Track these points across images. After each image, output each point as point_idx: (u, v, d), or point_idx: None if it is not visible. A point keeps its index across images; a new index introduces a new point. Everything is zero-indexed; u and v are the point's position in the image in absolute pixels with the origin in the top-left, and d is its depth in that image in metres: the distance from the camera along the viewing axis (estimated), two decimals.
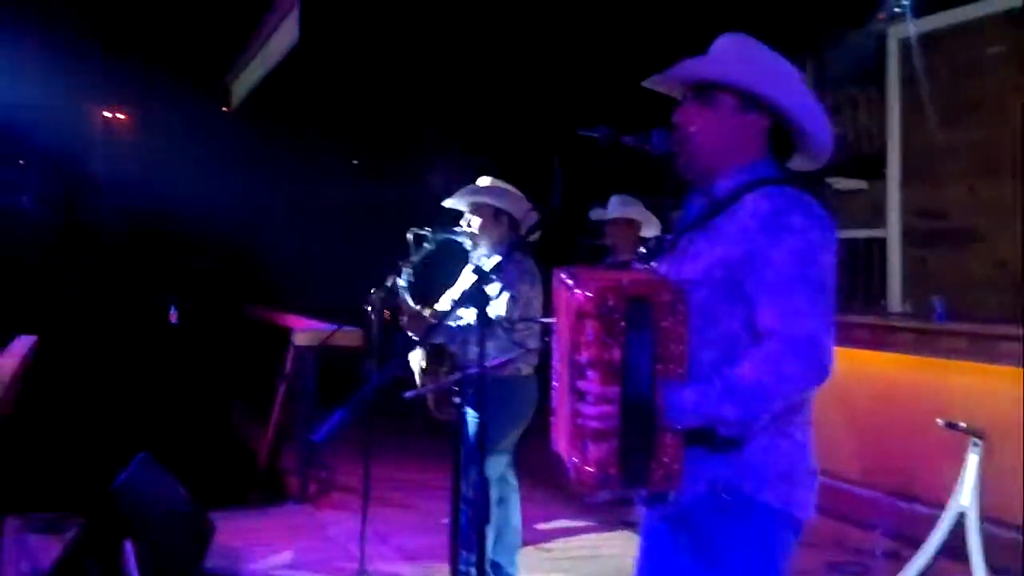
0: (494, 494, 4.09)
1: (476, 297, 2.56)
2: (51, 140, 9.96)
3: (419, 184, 9.71)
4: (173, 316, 9.34)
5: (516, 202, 4.18)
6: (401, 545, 5.03)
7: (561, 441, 2.10)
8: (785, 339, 1.88)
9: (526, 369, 4.13)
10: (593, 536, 5.33)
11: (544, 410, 3.98)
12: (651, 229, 5.36)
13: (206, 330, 8.81)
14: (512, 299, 3.98)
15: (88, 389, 6.37)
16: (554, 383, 2.19)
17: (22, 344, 5.48)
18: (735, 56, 2.12)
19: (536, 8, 7.28)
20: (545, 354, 3.88)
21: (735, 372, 1.90)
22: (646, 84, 2.21)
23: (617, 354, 1.86)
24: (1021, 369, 4.68)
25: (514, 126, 8.46)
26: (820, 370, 1.90)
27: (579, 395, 1.91)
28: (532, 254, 4.20)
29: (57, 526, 4.61)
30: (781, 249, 1.91)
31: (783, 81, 2.09)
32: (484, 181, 4.29)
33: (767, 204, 1.96)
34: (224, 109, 11.51)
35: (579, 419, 1.90)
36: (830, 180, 6.80)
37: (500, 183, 4.27)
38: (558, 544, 5.16)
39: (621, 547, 4.98)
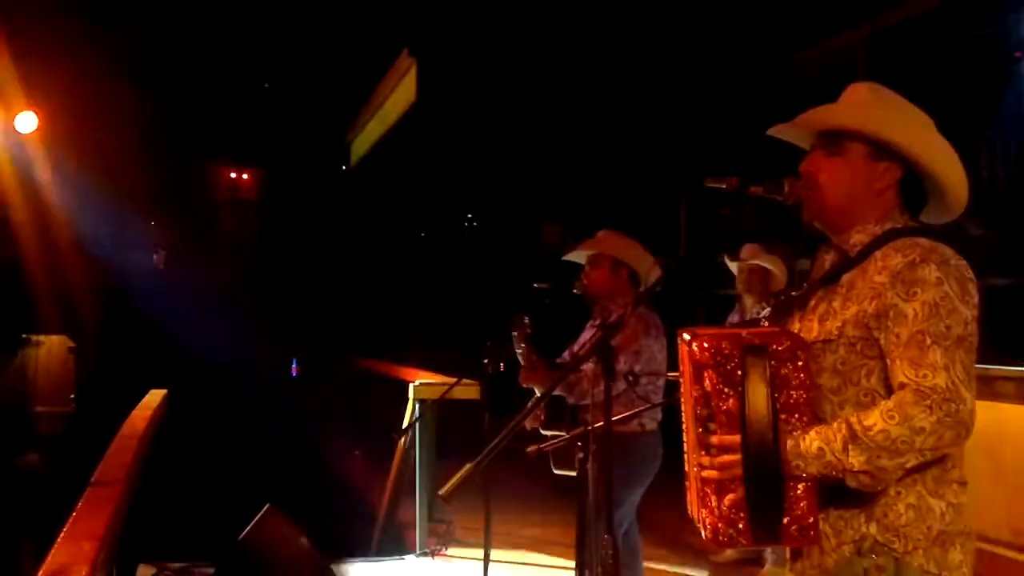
0: (616, 552, 3.98)
1: (600, 350, 2.51)
2: (177, 201, 10.40)
3: (541, 239, 9.77)
4: (295, 370, 9.57)
5: (636, 254, 4.13)
6: None
7: (692, 502, 2.05)
8: (917, 390, 1.82)
9: (650, 424, 4.05)
10: None
11: (669, 467, 3.90)
12: (780, 280, 5.25)
13: (329, 383, 8.97)
14: (635, 353, 3.92)
15: (215, 441, 6.54)
16: (685, 446, 2.12)
17: (154, 398, 5.67)
18: (865, 103, 2.08)
19: (656, 59, 7.29)
20: (669, 410, 3.79)
21: (862, 420, 1.83)
22: (772, 132, 2.17)
23: (735, 403, 1.86)
24: None
25: (637, 178, 8.43)
26: (956, 424, 1.81)
27: (704, 449, 1.89)
28: (655, 307, 4.13)
29: (188, 575, 4.71)
30: (915, 303, 1.86)
31: (916, 129, 2.02)
32: (602, 234, 4.26)
33: (899, 257, 1.90)
34: (344, 167, 11.87)
35: (704, 472, 1.88)
36: (968, 226, 6.53)
37: (619, 235, 4.23)
38: None
39: None
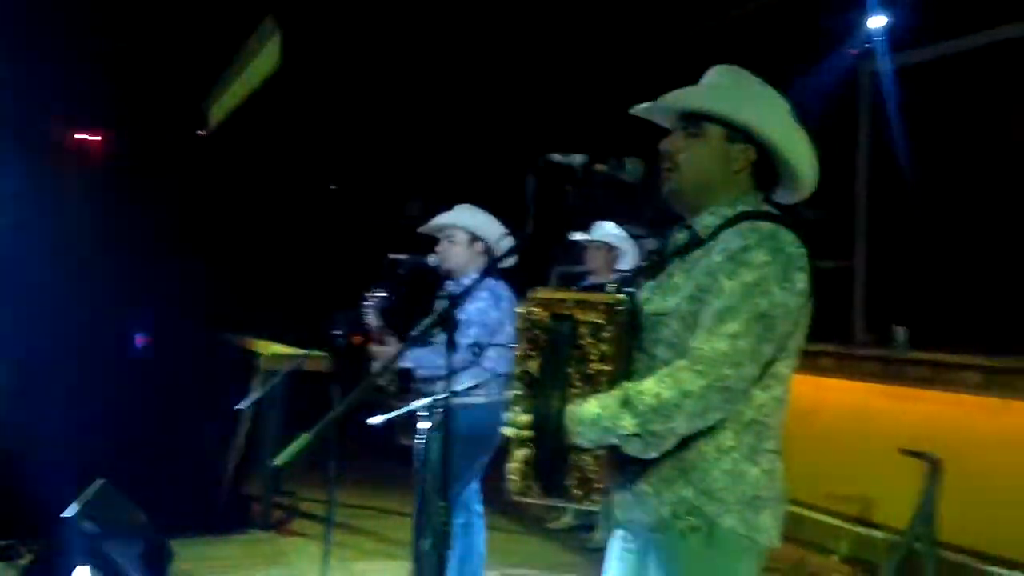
0: (459, 521, 4.08)
1: (445, 322, 2.57)
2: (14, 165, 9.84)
3: (395, 210, 9.74)
4: (140, 341, 9.27)
5: (491, 228, 4.20)
6: (364, 572, 5.00)
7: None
8: (695, 356, 1.92)
9: (496, 395, 4.13)
10: (557, 562, 5.32)
11: None
12: (629, 257, 5.42)
13: (174, 355, 8.75)
14: (485, 325, 3.99)
15: (48, 415, 6.31)
16: None
17: None
18: (725, 87, 2.16)
19: (512, 35, 7.36)
20: None
21: (637, 385, 1.93)
22: (635, 112, 2.23)
23: (535, 366, 2.00)
24: (979, 397, 4.76)
25: (490, 153, 8.51)
26: (723, 390, 1.90)
27: (513, 406, 2.04)
28: (506, 280, 4.21)
29: (10, 553, 4.55)
30: (735, 281, 1.94)
31: (771, 113, 2.11)
32: (459, 207, 4.30)
33: (738, 240, 1.99)
34: (200, 132, 11.48)
35: (507, 429, 2.03)
36: (800, 209, 6.91)
37: (475, 209, 4.29)
38: (523, 571, 5.14)
39: (585, 573, 4.98)
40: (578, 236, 5.67)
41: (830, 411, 5.65)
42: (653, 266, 2.17)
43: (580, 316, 1.97)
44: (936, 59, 5.97)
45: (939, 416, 4.96)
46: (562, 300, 2.01)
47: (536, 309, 2.02)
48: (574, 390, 1.97)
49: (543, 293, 2.06)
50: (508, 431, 2.02)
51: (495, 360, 4.05)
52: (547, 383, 1.99)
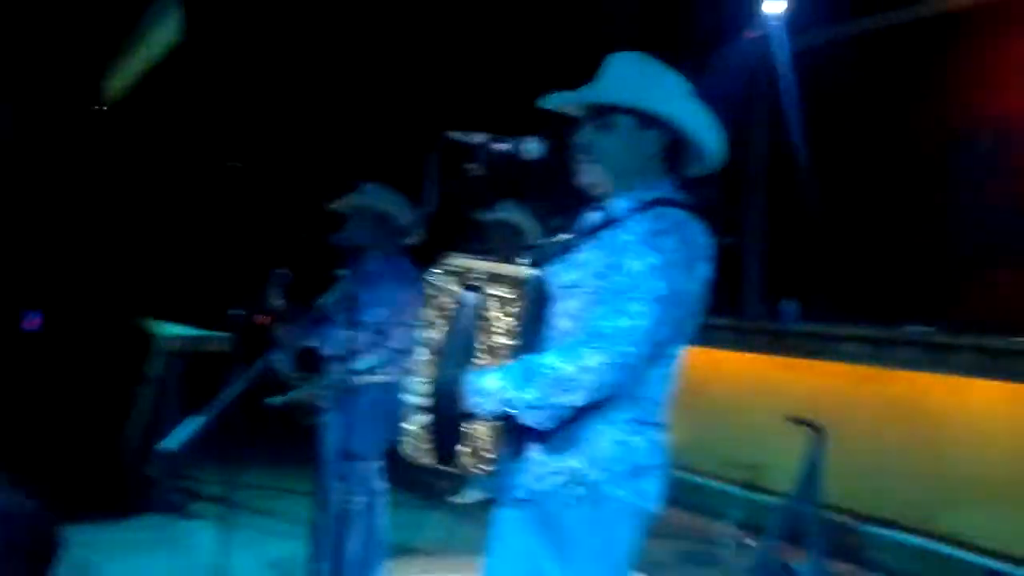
0: (361, 500, 4.11)
1: (346, 300, 2.59)
2: None
3: (303, 188, 9.61)
4: (33, 322, 8.98)
5: (398, 207, 4.21)
6: (264, 553, 4.99)
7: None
8: (594, 331, 1.98)
9: (399, 373, 4.16)
10: (463, 538, 5.39)
11: None
12: (533, 236, 5.48)
13: (73, 337, 8.51)
14: (390, 304, 4.01)
15: None
16: None
17: None
18: (630, 77, 2.19)
19: (416, 14, 7.34)
20: None
21: (538, 359, 1.99)
22: (543, 104, 2.27)
23: (439, 335, 2.06)
24: (862, 367, 5.01)
25: (395, 131, 8.47)
26: (622, 367, 1.97)
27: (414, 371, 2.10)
28: (412, 258, 4.23)
29: None
30: (641, 261, 2.00)
31: (677, 97, 2.17)
32: (367, 187, 4.30)
33: (650, 224, 2.05)
34: (97, 107, 11.11)
35: (410, 394, 2.09)
36: (698, 189, 7.10)
37: (383, 188, 4.29)
38: (429, 549, 5.20)
39: None
40: (481, 215, 5.71)
41: (724, 382, 5.86)
42: (564, 242, 2.22)
43: (490, 288, 2.01)
44: (829, 42, 6.18)
45: (825, 385, 5.19)
46: (472, 270, 2.05)
47: (446, 278, 2.05)
48: (477, 360, 2.03)
49: (455, 261, 2.08)
50: (408, 397, 2.07)
51: (400, 339, 4.08)
52: (451, 352, 2.02)
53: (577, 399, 1.99)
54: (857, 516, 4.90)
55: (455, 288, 2.04)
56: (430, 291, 2.07)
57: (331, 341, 3.95)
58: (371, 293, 3.98)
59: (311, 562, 3.78)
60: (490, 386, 1.99)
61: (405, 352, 4.04)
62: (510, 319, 2.02)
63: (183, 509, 5.75)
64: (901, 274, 5.48)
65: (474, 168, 2.23)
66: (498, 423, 2.02)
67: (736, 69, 6.76)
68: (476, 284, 2.03)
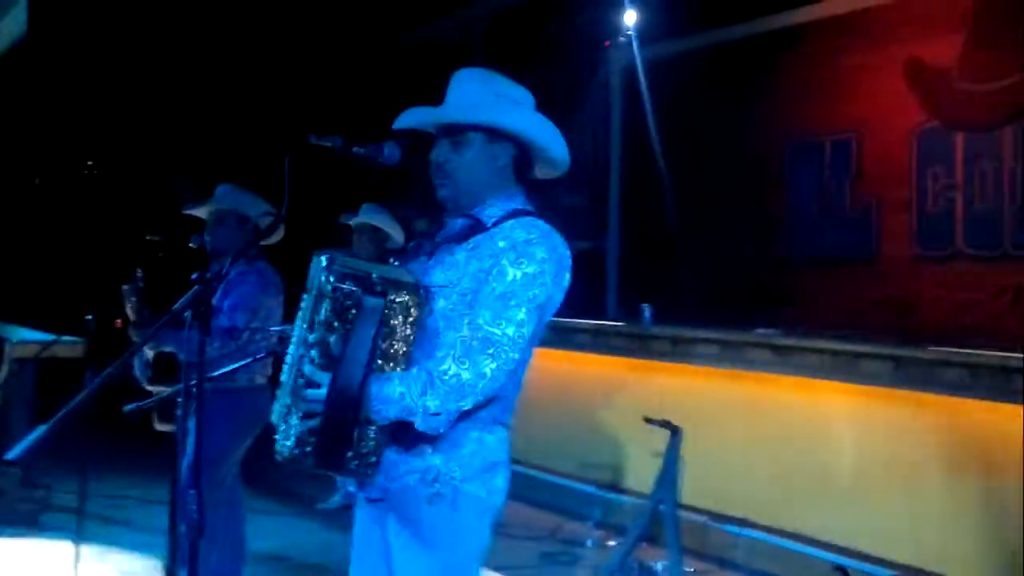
0: (219, 507, 4.03)
1: (204, 305, 2.51)
2: None
3: (157, 190, 9.33)
4: None
5: (257, 208, 4.14)
6: (119, 564, 4.84)
7: (275, 412, 2.18)
8: (486, 338, 2.07)
9: (260, 379, 4.10)
10: (326, 543, 5.35)
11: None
12: (396, 239, 5.48)
13: None
14: (252, 311, 3.94)
15: None
16: (287, 357, 2.22)
17: None
18: (477, 94, 2.29)
19: (277, 17, 7.25)
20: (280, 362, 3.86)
21: (438, 367, 2.05)
22: (397, 127, 2.32)
23: (337, 341, 2.00)
24: (714, 368, 5.22)
25: (256, 133, 8.33)
26: (509, 373, 2.10)
27: (300, 372, 2.05)
28: (272, 260, 4.17)
29: None
30: (519, 268, 2.11)
31: (521, 110, 2.29)
32: (227, 189, 4.21)
33: (522, 232, 2.15)
34: None
35: (294, 395, 2.04)
36: (559, 195, 7.27)
37: (243, 191, 4.21)
38: (289, 555, 5.14)
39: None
40: (346, 218, 5.69)
41: (584, 384, 6.01)
42: (432, 245, 2.29)
43: (394, 295, 2.01)
44: (681, 53, 6.42)
45: (680, 386, 5.38)
46: (369, 274, 2.04)
47: (346, 281, 1.99)
48: (377, 366, 2.03)
49: (348, 263, 2.05)
50: (292, 400, 2.02)
51: (259, 345, 4.02)
52: (352, 357, 1.99)
53: (468, 404, 2.08)
54: (712, 515, 5.10)
55: (359, 293, 2.00)
56: (329, 293, 2.00)
57: (187, 346, 3.86)
58: (231, 298, 3.92)
59: (168, 574, 3.68)
60: (391, 392, 2.03)
61: (265, 358, 4.01)
62: (410, 328, 2.04)
63: (34, 521, 5.50)
64: (748, 278, 5.75)
65: (331, 171, 2.23)
66: (385, 430, 2.06)
67: (594, 79, 6.96)
68: (382, 290, 2.02)
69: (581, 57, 6.97)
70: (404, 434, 2.11)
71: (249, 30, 7.66)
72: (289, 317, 3.07)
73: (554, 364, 6.15)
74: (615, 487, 5.63)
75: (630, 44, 6.66)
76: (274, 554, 5.05)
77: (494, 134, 2.25)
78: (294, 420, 2.03)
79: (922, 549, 4.30)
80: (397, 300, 2.02)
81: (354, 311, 2.00)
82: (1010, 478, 4.02)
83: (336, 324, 1.99)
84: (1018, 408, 3.95)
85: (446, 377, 2.04)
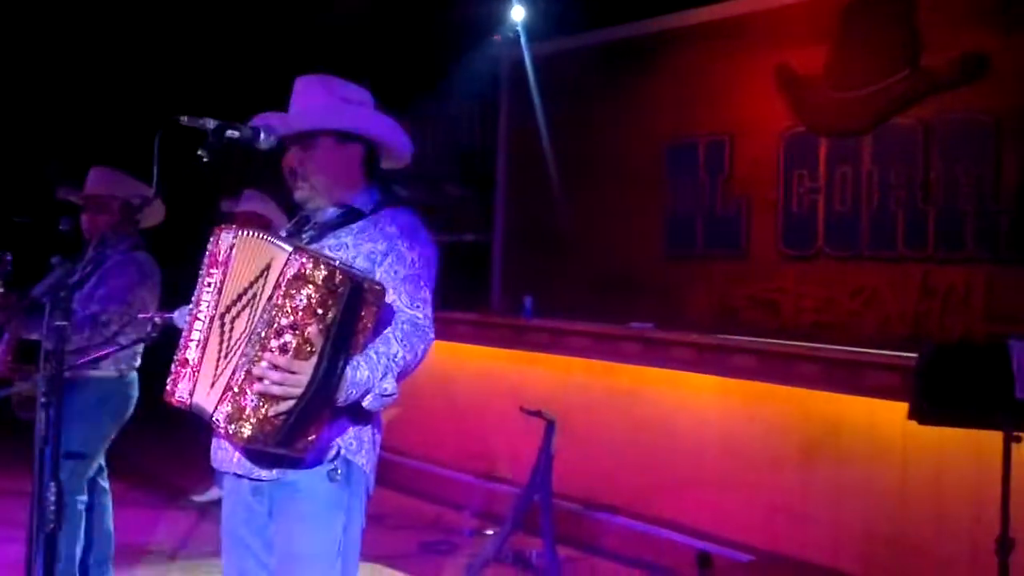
0: (83, 499, 3.93)
1: (70, 290, 2.44)
2: None
3: (26, 172, 8.94)
4: None
5: (133, 192, 4.03)
6: None
7: (201, 390, 2.13)
8: (414, 322, 2.21)
9: (128, 369, 4.01)
10: (198, 535, 5.27)
11: (145, 409, 3.92)
12: (276, 224, 5.41)
13: None
14: (127, 303, 3.84)
15: None
16: (194, 335, 2.19)
17: None
18: (323, 101, 2.38)
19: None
20: (149, 352, 3.78)
21: (389, 349, 2.14)
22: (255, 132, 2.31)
23: (320, 328, 1.97)
24: (590, 360, 5.35)
25: (131, 116, 8.08)
26: (429, 350, 2.25)
27: (260, 353, 1.97)
28: (149, 245, 4.07)
29: None
30: (415, 251, 2.28)
31: (364, 111, 2.42)
32: (103, 174, 4.08)
33: (407, 219, 2.33)
34: None
35: (256, 377, 1.97)
36: (446, 187, 7.31)
37: (121, 175, 4.09)
38: (162, 547, 5.04)
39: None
40: (227, 205, 5.59)
41: (466, 376, 6.07)
42: (321, 229, 2.35)
43: (367, 289, 2.02)
44: (571, 50, 6.53)
45: (557, 378, 5.50)
46: (339, 263, 2.04)
47: (325, 270, 1.97)
48: (345, 350, 2.03)
49: (319, 255, 2.03)
50: (259, 386, 1.97)
51: (129, 334, 3.93)
52: (333, 348, 1.98)
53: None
54: (586, 503, 5.22)
55: (344, 282, 1.98)
56: (314, 281, 1.96)
57: (52, 333, 3.74)
58: (106, 287, 3.82)
59: (28, 566, 3.57)
60: (361, 378, 2.07)
61: (133, 346, 3.92)
62: (373, 318, 2.06)
63: None
64: (628, 272, 5.90)
65: (205, 154, 2.20)
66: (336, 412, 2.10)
67: (483, 72, 7.01)
68: (359, 281, 2.02)
69: (470, 49, 7.00)
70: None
71: (118, 7, 7.43)
72: (172, 305, 3.01)
73: (436, 355, 6.16)
74: (494, 477, 5.71)
75: (518, 39, 6.73)
76: (144, 546, 4.95)
77: (343, 136, 2.37)
78: (257, 404, 1.97)
79: (780, 535, 4.51)
80: (369, 293, 2.03)
81: (341, 302, 1.98)
82: (858, 468, 4.27)
83: (320, 311, 1.96)
84: (867, 401, 4.19)
85: (397, 359, 2.13)
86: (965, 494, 3.86)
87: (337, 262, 2.04)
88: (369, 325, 2.06)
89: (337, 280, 1.97)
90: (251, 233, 2.17)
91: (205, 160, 2.17)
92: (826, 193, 5.02)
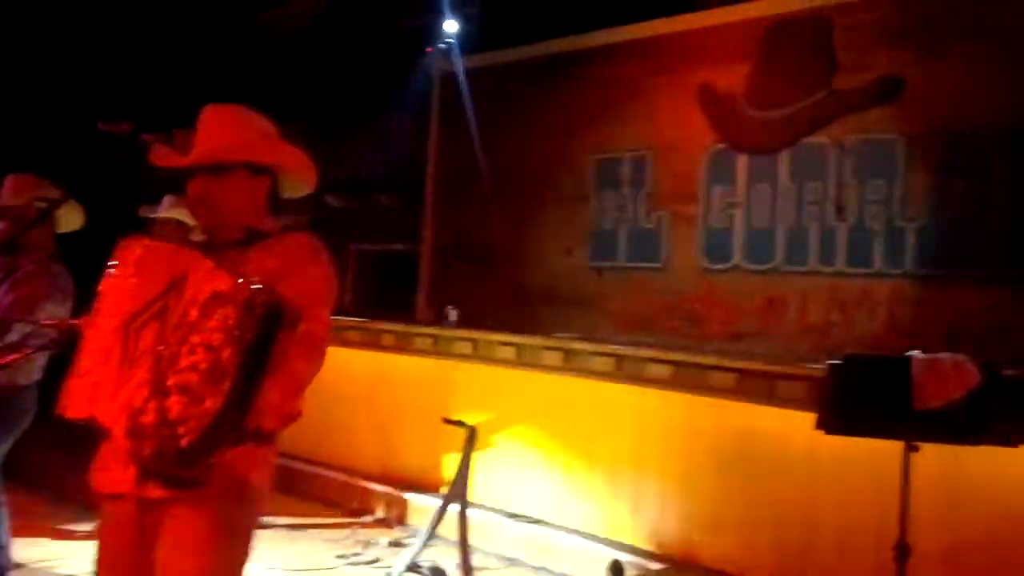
0: None
1: None
2: None
3: None
4: None
5: (50, 200, 3.92)
6: None
7: (101, 404, 2.05)
8: (311, 340, 2.14)
9: (23, 379, 3.90)
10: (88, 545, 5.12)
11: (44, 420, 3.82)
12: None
13: None
14: (29, 312, 3.74)
15: None
16: (95, 344, 2.12)
17: None
18: (239, 132, 2.36)
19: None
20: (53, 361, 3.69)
21: (296, 371, 2.10)
22: (159, 163, 2.31)
23: (236, 351, 1.88)
24: (512, 370, 5.37)
25: (45, 120, 7.92)
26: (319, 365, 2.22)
27: (170, 371, 1.91)
28: (64, 259, 3.97)
29: None
30: (317, 271, 2.28)
31: (274, 143, 2.41)
32: (24, 181, 3.98)
33: (309, 241, 2.33)
34: None
35: (163, 395, 1.91)
36: (377, 197, 7.31)
37: (30, 179, 3.99)
38: (64, 559, 4.90)
39: None
40: (147, 210, 5.50)
41: (389, 386, 6.04)
42: (225, 248, 2.28)
43: (286, 311, 1.97)
44: (502, 64, 6.58)
45: (480, 388, 5.51)
46: (255, 285, 1.96)
47: (244, 291, 1.90)
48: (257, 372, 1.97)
49: (237, 274, 1.97)
50: (174, 405, 1.91)
51: (32, 342, 3.83)
52: (248, 370, 1.90)
53: None
54: (504, 513, 5.23)
55: (264, 307, 1.91)
56: (247, 307, 1.90)
57: None
58: (14, 295, 3.73)
59: None
60: (273, 400, 2.01)
61: (36, 353, 3.82)
62: (285, 341, 2.00)
63: None
64: (554, 284, 5.95)
65: (123, 158, 2.19)
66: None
67: (415, 83, 7.03)
68: (283, 308, 1.95)
69: (404, 61, 7.02)
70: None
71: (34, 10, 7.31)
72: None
73: (360, 366, 6.15)
74: (415, 487, 5.69)
75: (452, 52, 6.77)
76: (43, 559, 4.82)
77: (255, 168, 2.34)
78: (165, 422, 1.90)
79: (693, 543, 4.57)
80: (287, 316, 1.98)
81: (260, 325, 1.91)
82: (769, 477, 4.34)
83: (237, 333, 1.88)
84: (779, 412, 4.27)
85: (303, 379, 2.13)
86: (868, 503, 3.95)
87: (256, 282, 1.97)
88: (284, 347, 2.00)
89: (256, 301, 1.90)
90: (161, 243, 2.15)
91: (121, 165, 2.17)
92: (744, 208, 5.13)
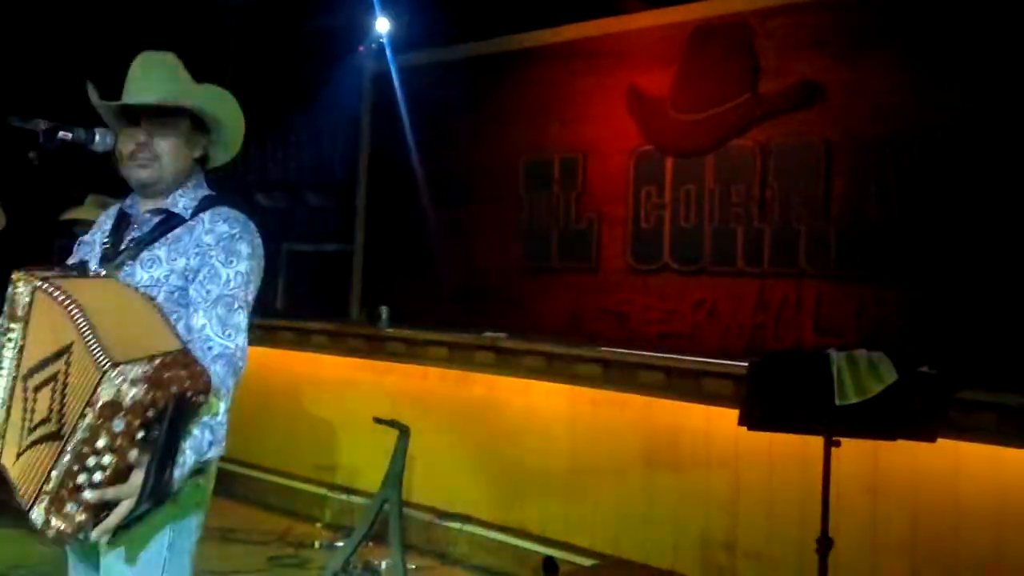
0: None
1: None
2: None
3: None
4: None
5: None
6: None
7: (7, 455, 1.90)
8: (229, 357, 2.05)
9: None
10: (43, 559, 5.03)
11: None
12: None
13: None
14: None
15: None
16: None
17: None
18: (177, 79, 2.27)
19: None
20: None
21: (211, 416, 1.95)
22: (99, 105, 2.24)
23: (143, 449, 1.76)
24: (444, 369, 5.40)
25: None
26: (238, 379, 2.07)
27: (77, 466, 1.75)
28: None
29: None
30: (231, 268, 2.13)
31: (221, 98, 2.30)
32: None
33: (225, 226, 2.17)
34: None
35: (74, 487, 1.75)
36: (307, 196, 7.25)
37: None
38: (20, 571, 4.79)
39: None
40: (71, 212, 5.40)
41: (321, 386, 6.03)
42: (138, 243, 2.20)
43: (196, 394, 1.84)
44: (435, 63, 6.58)
45: (412, 387, 5.52)
46: (153, 370, 1.79)
47: (142, 391, 1.74)
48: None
49: (130, 360, 1.77)
50: (84, 488, 1.75)
51: None
52: (163, 458, 1.79)
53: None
54: (437, 512, 5.26)
55: (146, 400, 1.76)
56: (146, 415, 1.76)
57: None
58: None
59: None
60: (188, 463, 1.90)
61: None
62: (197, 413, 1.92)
63: None
64: (486, 284, 5.99)
65: (36, 156, 2.13)
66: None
67: (346, 82, 6.98)
68: (181, 390, 1.80)
69: (335, 59, 6.97)
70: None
71: None
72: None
73: (291, 366, 6.13)
74: (348, 488, 5.68)
75: (383, 51, 6.74)
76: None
77: (198, 121, 2.26)
78: (78, 501, 1.74)
79: (624, 540, 4.65)
80: (193, 395, 1.82)
81: (159, 417, 1.76)
82: (696, 473, 4.45)
83: (137, 435, 1.74)
84: (705, 409, 4.38)
85: (220, 418, 1.97)
86: (792, 497, 4.07)
87: (157, 360, 1.76)
88: (193, 426, 1.89)
89: (158, 400, 1.74)
90: (50, 290, 1.86)
91: (36, 163, 2.11)
92: (672, 209, 5.23)
